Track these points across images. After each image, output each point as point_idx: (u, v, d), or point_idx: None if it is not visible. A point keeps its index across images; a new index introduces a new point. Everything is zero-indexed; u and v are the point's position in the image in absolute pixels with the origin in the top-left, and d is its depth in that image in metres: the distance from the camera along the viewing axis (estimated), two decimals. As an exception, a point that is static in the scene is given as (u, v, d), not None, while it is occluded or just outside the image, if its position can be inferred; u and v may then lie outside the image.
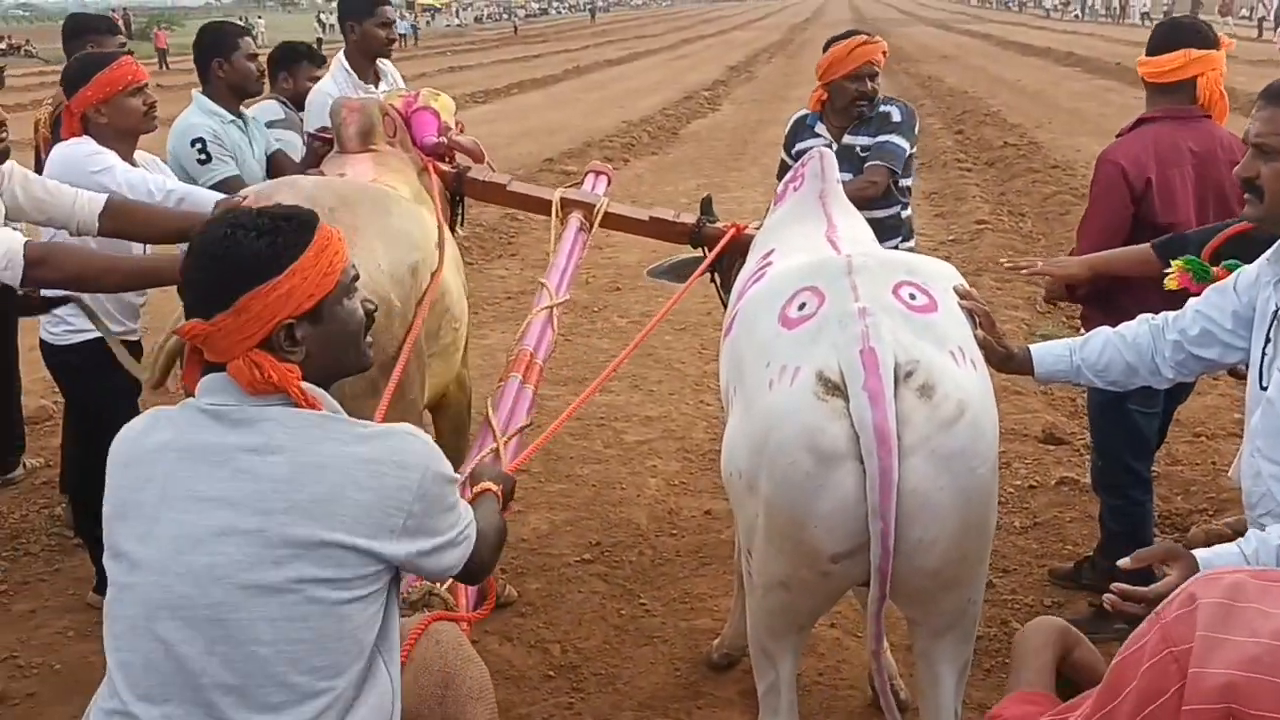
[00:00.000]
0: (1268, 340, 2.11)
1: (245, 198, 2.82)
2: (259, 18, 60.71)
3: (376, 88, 4.43)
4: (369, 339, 1.80)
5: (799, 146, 4.03)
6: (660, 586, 3.93)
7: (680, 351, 6.56)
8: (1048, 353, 2.46)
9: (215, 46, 3.96)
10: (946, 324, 2.18)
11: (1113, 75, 22.61)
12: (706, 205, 3.90)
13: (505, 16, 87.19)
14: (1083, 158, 11.58)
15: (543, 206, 3.91)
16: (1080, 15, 64.17)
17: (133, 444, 1.67)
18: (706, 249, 3.70)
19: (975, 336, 2.29)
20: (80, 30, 4.39)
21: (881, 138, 3.93)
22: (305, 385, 1.65)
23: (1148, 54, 3.36)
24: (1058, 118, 16.41)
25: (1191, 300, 2.37)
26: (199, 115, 3.90)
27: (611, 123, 17.16)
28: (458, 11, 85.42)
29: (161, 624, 1.56)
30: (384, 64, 4.61)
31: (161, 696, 1.56)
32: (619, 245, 8.71)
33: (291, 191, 2.71)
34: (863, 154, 3.96)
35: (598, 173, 4.27)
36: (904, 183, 4.04)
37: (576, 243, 3.75)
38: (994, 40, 39.39)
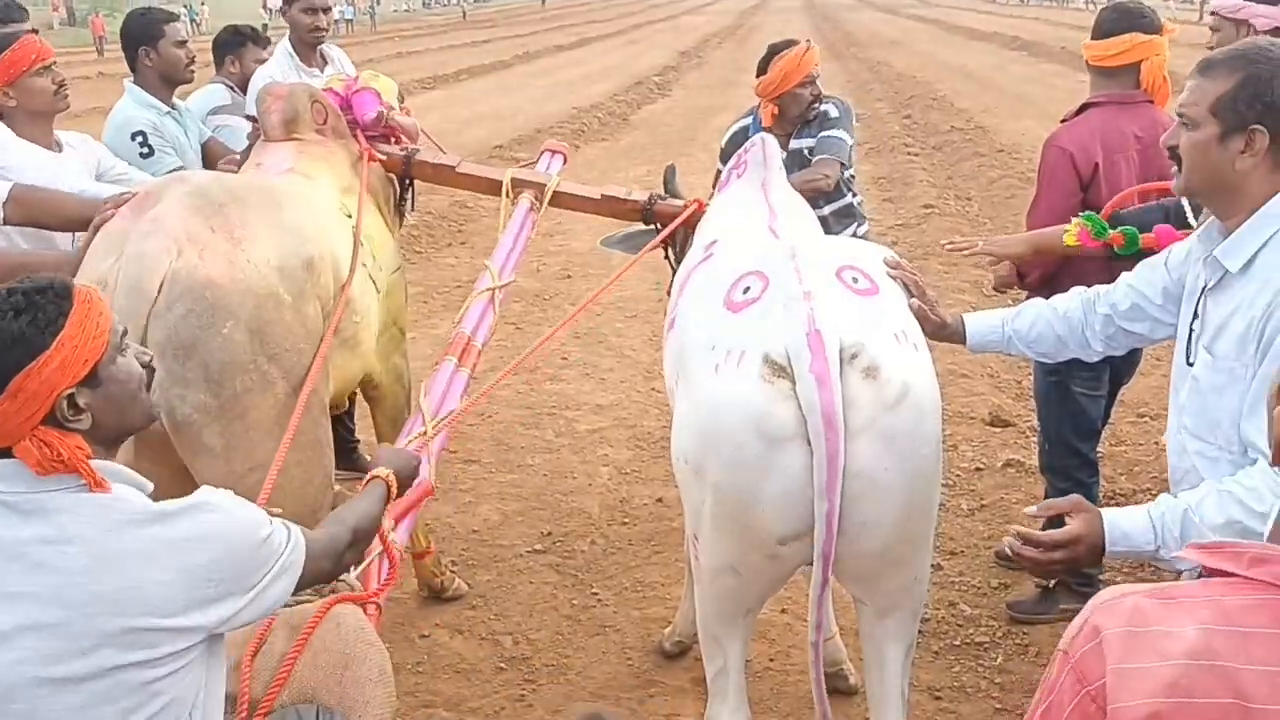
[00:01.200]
0: (1195, 316, 2.13)
1: (132, 195, 2.74)
2: (202, 2, 59.67)
3: (321, 73, 4.37)
4: (148, 393, 1.75)
5: None
6: (612, 575, 3.93)
7: (631, 339, 6.55)
8: (981, 322, 2.49)
9: (142, 35, 3.87)
10: (888, 306, 2.22)
11: (1057, 59, 22.85)
12: (670, 176, 3.90)
13: (454, 1, 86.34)
14: (1028, 141, 11.71)
15: (493, 187, 3.84)
16: (1023, 0, 64.87)
17: None
18: (660, 225, 3.67)
19: (910, 305, 2.32)
20: None
21: (824, 134, 4.03)
22: (96, 464, 1.60)
23: (1094, 38, 3.38)
24: (1004, 102, 16.57)
25: (1124, 275, 2.39)
26: (135, 107, 3.81)
27: (562, 108, 17.06)
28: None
29: None
30: (331, 49, 4.57)
31: None
32: (570, 232, 8.68)
33: (183, 187, 2.66)
34: (810, 155, 4.05)
35: (553, 151, 4.23)
36: (848, 172, 4.15)
37: (525, 223, 3.70)
38: (941, 25, 39.68)
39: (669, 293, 2.99)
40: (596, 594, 3.81)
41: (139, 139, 3.70)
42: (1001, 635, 3.55)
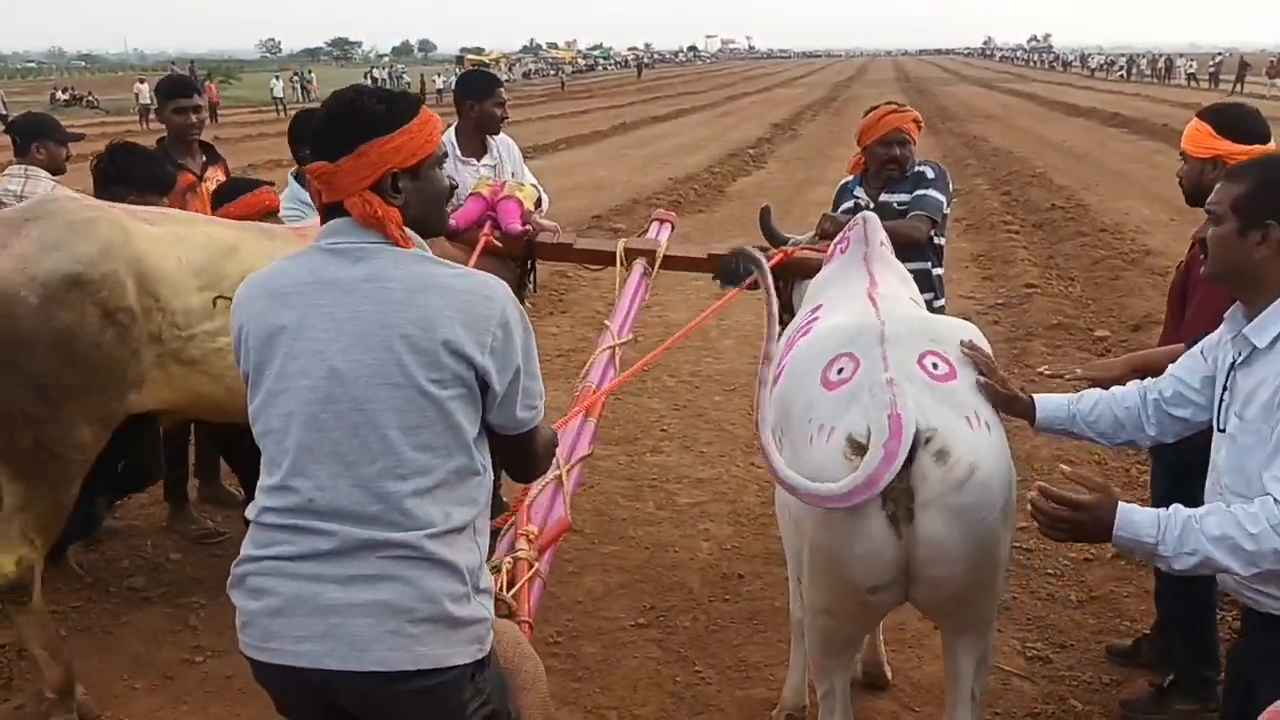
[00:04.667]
0: (1225, 389, 2.37)
1: None
2: (309, 71, 62.22)
3: (478, 161, 4.73)
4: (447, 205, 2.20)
5: (842, 209, 4.35)
6: (715, 653, 3.93)
7: (730, 413, 6.60)
8: (1049, 401, 2.70)
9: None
10: (964, 391, 2.48)
11: (1159, 137, 22.55)
12: (765, 217, 4.28)
13: (553, 73, 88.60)
14: (1131, 221, 11.58)
15: (609, 258, 4.25)
16: (1126, 76, 64.16)
17: (264, 286, 2.03)
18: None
19: (978, 383, 2.54)
20: (173, 92, 4.95)
21: (919, 192, 4.19)
22: (404, 229, 2.01)
23: (1238, 140, 3.18)
24: (1105, 180, 16.40)
25: (1171, 365, 2.62)
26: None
27: (658, 180, 17.35)
28: (510, 68, 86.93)
29: (316, 416, 1.93)
30: (495, 139, 4.86)
31: (315, 472, 1.93)
32: (667, 304, 8.81)
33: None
34: (899, 208, 4.19)
35: (662, 220, 4.68)
36: (937, 241, 4.26)
37: (640, 286, 4.10)
38: (1038, 100, 39.46)
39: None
40: (699, 671, 3.83)
41: None
42: (1114, 734, 3.47)
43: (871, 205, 4.11)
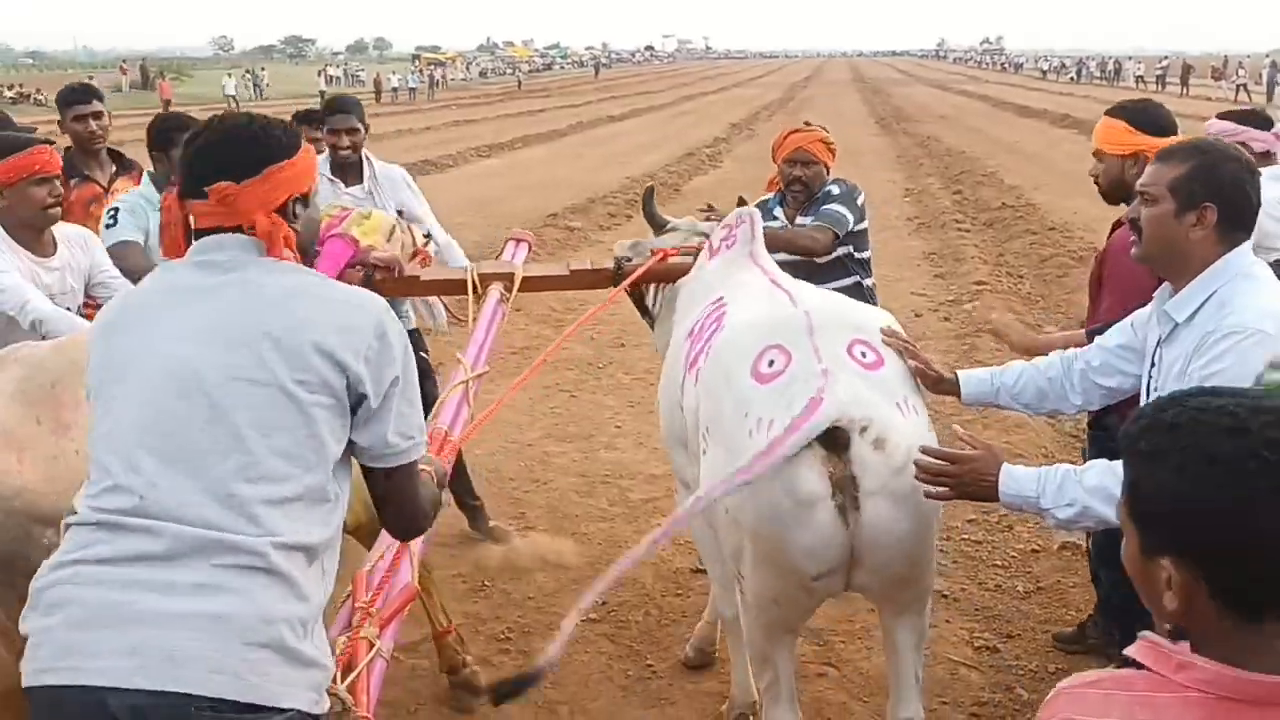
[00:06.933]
0: (1153, 364, 2.48)
1: None
2: (262, 69, 61.55)
3: (346, 187, 4.39)
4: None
5: None
6: (667, 647, 3.94)
7: (684, 409, 6.60)
8: (972, 376, 2.79)
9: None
10: (892, 378, 2.56)
11: (1109, 138, 22.86)
12: (648, 197, 4.17)
13: (510, 72, 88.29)
14: (1080, 220, 11.73)
15: (459, 287, 3.88)
16: (1076, 78, 65.11)
17: (119, 305, 1.96)
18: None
19: (909, 368, 2.65)
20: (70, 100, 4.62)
21: (823, 207, 4.17)
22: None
23: (1154, 134, 3.23)
24: (1054, 179, 16.59)
25: (1099, 337, 2.73)
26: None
27: (615, 179, 17.35)
28: (467, 66, 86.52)
29: (162, 412, 1.75)
30: (377, 163, 4.51)
31: (151, 469, 1.72)
32: (624, 301, 8.80)
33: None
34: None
35: (518, 240, 4.35)
36: (859, 255, 4.25)
37: (496, 314, 3.74)
38: (991, 101, 39.93)
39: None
40: (651, 665, 3.83)
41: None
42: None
43: (786, 228, 4.14)
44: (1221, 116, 4.01)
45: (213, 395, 1.74)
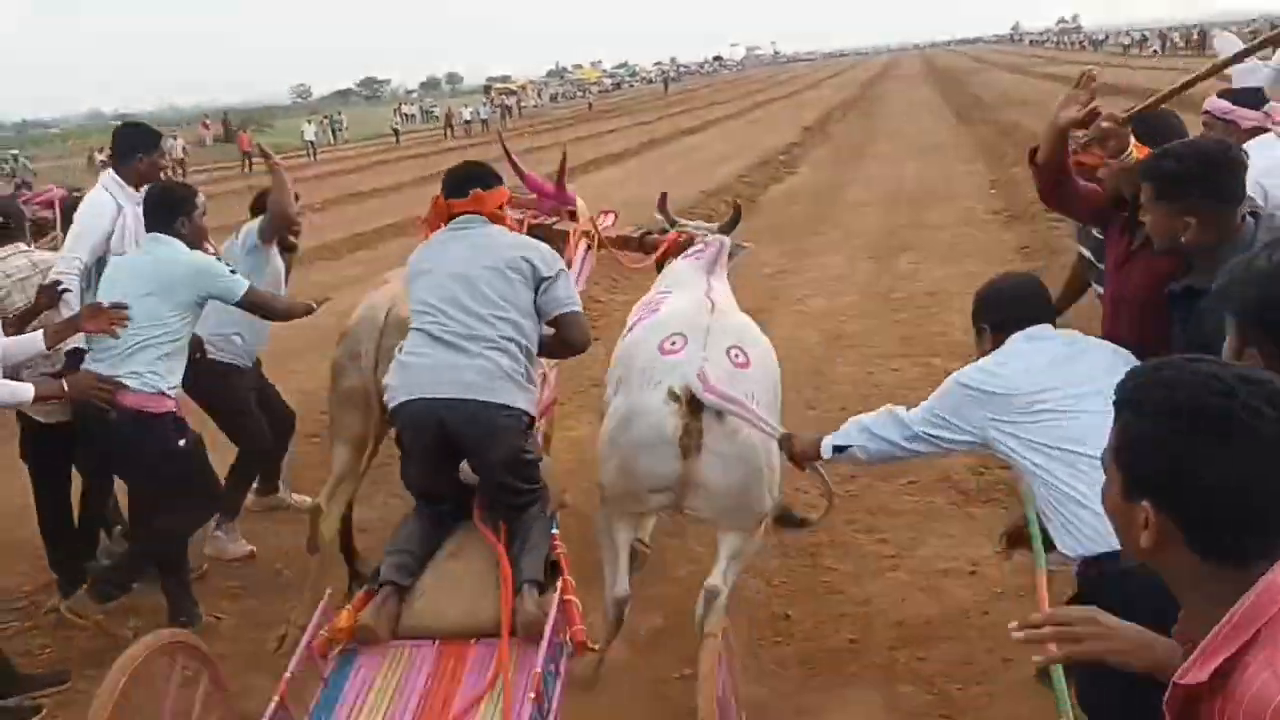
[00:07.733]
0: None
1: None
2: (339, 113, 63.07)
3: None
4: None
5: None
6: (764, 703, 3.68)
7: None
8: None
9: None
10: (750, 377, 3.48)
11: (1197, 109, 21.90)
12: (662, 201, 5.26)
13: (580, 95, 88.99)
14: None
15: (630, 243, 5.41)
16: (1159, 51, 63.08)
17: (419, 251, 3.65)
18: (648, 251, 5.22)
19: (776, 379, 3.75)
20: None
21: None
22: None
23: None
24: (1149, 158, 15.89)
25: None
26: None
27: (690, 194, 17.09)
28: (538, 93, 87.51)
29: (448, 290, 3.41)
30: None
31: (451, 302, 3.40)
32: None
33: None
34: None
35: (606, 212, 5.71)
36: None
37: (588, 258, 5.14)
38: (1073, 81, 38.75)
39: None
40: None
41: None
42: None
43: None
44: (1220, 95, 4.15)
45: (470, 277, 3.38)
